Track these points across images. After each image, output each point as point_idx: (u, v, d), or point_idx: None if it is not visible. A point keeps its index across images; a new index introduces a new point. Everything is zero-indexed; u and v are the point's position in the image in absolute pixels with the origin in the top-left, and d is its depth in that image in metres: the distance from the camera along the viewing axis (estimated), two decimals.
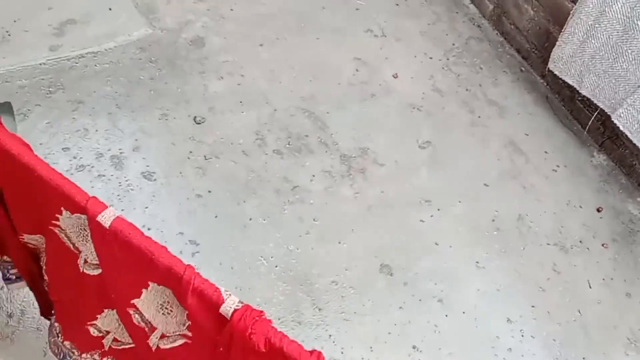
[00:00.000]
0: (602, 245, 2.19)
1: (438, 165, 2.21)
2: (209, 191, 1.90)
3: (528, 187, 2.25)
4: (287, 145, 2.10)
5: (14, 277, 1.11)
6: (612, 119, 2.21)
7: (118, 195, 1.82)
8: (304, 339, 1.66)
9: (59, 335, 1.03)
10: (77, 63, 2.10)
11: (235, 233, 1.83)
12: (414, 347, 1.75)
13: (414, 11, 2.70)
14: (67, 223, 0.78)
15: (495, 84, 2.55)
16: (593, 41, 2.15)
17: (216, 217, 1.85)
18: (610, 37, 2.10)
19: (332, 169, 2.07)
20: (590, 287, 2.03)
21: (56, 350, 1.10)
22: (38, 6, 2.21)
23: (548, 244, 2.11)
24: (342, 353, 1.69)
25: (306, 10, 2.55)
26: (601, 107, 2.26)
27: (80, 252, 0.78)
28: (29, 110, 1.91)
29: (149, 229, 1.77)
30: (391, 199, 2.07)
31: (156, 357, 0.81)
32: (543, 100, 2.56)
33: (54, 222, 0.75)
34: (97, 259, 0.76)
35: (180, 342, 0.76)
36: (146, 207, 1.82)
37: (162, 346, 0.78)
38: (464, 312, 1.86)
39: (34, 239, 0.90)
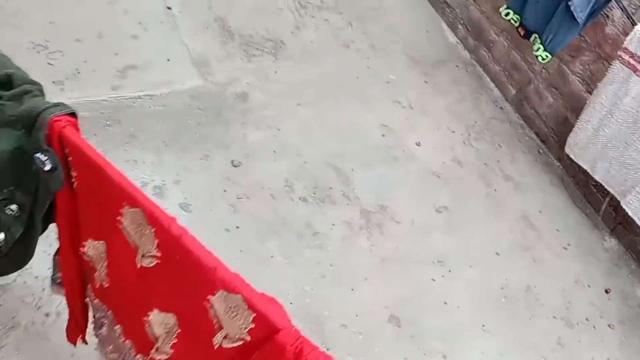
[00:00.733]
0: (609, 325, 2.24)
1: (452, 229, 2.34)
2: (237, 227, 2.05)
3: (538, 261, 2.34)
4: (313, 195, 2.26)
5: (58, 280, 1.24)
6: (622, 205, 2.33)
7: None
8: None
9: (120, 336, 1.11)
10: (134, 103, 2.34)
11: (257, 268, 1.96)
12: None
13: (441, 89, 2.93)
14: (128, 219, 0.92)
15: (512, 162, 2.70)
16: (606, 130, 2.31)
17: (241, 251, 1.99)
18: (622, 128, 2.26)
19: (352, 221, 2.22)
20: None
21: (116, 355, 1.16)
22: (106, 51, 2.49)
23: (554, 317, 2.17)
24: None
25: (342, 79, 2.79)
26: (612, 192, 2.38)
27: (137, 248, 0.92)
28: (87, 138, 2.12)
29: None
30: (405, 255, 2.18)
31: (211, 357, 0.90)
32: (558, 181, 2.70)
33: (118, 218, 0.90)
34: (154, 252, 0.88)
35: (237, 344, 0.85)
36: None
37: (224, 345, 0.88)
38: None
39: (94, 247, 1.02)
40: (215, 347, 0.87)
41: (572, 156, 2.51)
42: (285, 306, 0.83)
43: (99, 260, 1.01)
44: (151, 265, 0.89)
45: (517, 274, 2.27)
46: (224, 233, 2.02)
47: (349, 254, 2.11)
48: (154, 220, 0.82)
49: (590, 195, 2.64)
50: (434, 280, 2.15)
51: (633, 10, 2.27)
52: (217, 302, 0.82)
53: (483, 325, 2.06)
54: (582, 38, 2.52)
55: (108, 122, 2.23)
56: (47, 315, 1.71)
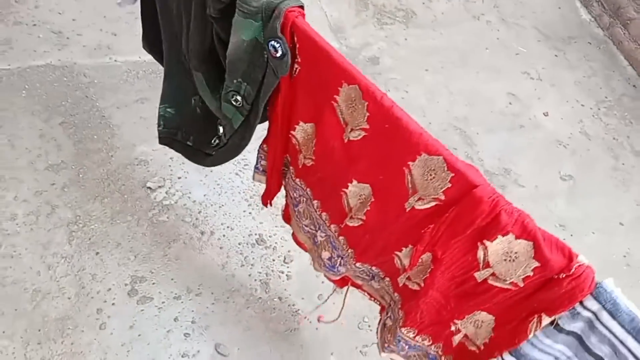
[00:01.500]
0: None
1: (576, 197, 2.35)
2: None
3: None
4: None
5: (261, 168, 1.45)
6: None
7: None
8: None
9: (317, 209, 1.28)
10: None
11: None
12: None
13: (572, 64, 2.90)
14: (344, 96, 1.02)
15: None
16: None
17: None
18: None
19: None
20: None
21: (312, 227, 1.35)
22: None
23: None
24: None
25: (470, 49, 2.86)
26: None
27: (347, 124, 1.08)
28: None
29: None
30: None
31: (401, 220, 1.04)
32: None
33: (335, 96, 1.07)
34: (364, 125, 1.04)
35: (430, 205, 0.98)
36: None
37: (417, 207, 1.00)
38: None
39: (303, 130, 1.17)
40: (407, 209, 1.02)
41: None
42: None
43: (305, 143, 1.20)
44: (358, 138, 1.03)
45: None
46: None
47: None
48: (369, 94, 0.97)
49: None
50: None
51: None
52: (416, 167, 0.96)
53: None
54: None
55: None
56: (202, 233, 1.99)
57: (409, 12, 2.97)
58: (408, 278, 1.14)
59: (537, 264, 0.88)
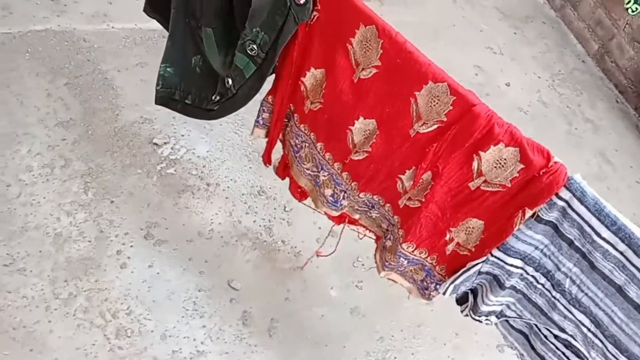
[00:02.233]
0: None
1: None
2: None
3: (612, 190, 2.63)
4: None
5: (261, 122, 1.62)
6: None
7: None
8: None
9: (321, 150, 1.44)
10: None
11: None
12: None
13: (529, 40, 3.22)
14: (359, 38, 1.17)
15: (592, 107, 2.98)
16: None
17: None
18: None
19: None
20: None
21: (314, 169, 1.50)
22: None
23: None
24: None
25: (440, 25, 3.13)
26: None
27: (358, 65, 1.27)
28: None
29: None
30: None
31: (405, 146, 1.22)
32: (634, 128, 2.96)
33: (350, 39, 1.25)
34: (376, 62, 1.23)
35: (433, 127, 1.17)
36: None
37: (420, 131, 1.19)
38: None
39: (313, 76, 1.32)
40: (412, 135, 1.23)
41: None
42: None
43: (313, 89, 1.37)
44: (369, 75, 1.22)
45: None
46: None
47: None
48: (385, 33, 1.17)
49: None
50: None
51: None
52: (422, 95, 1.17)
53: None
54: None
55: None
56: (208, 185, 2.16)
57: None
58: (409, 198, 1.36)
59: (522, 166, 1.12)
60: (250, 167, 2.25)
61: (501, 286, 1.27)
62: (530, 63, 3.09)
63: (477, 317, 1.36)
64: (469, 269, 1.30)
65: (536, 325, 1.30)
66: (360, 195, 1.47)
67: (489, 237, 1.27)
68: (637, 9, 2.65)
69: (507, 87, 2.91)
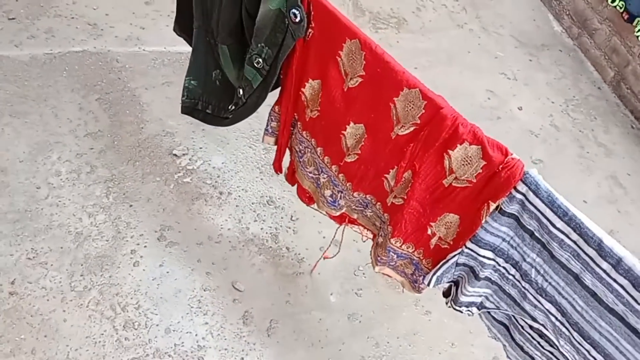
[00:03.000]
0: None
1: (545, 178, 2.66)
2: None
3: (623, 212, 2.62)
4: None
5: (270, 130, 1.76)
6: None
7: None
8: None
9: (321, 154, 1.57)
10: None
11: None
12: None
13: (544, 67, 3.28)
14: (346, 50, 1.30)
15: (606, 132, 2.99)
16: None
17: None
18: None
19: None
20: None
21: (315, 172, 1.63)
22: None
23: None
24: None
25: (455, 52, 3.23)
26: None
27: (347, 75, 1.40)
28: None
29: None
30: None
31: (388, 147, 1.33)
32: None
33: (339, 52, 1.38)
34: (361, 72, 1.35)
35: (410, 129, 1.28)
36: None
37: (400, 133, 1.30)
38: None
39: (311, 87, 1.46)
40: (393, 137, 1.33)
41: None
42: None
43: (312, 98, 1.50)
44: (356, 84, 1.34)
45: (601, 220, 2.53)
46: None
47: None
48: (366, 45, 1.29)
49: None
50: None
51: None
52: (399, 101, 1.27)
53: None
54: None
55: None
56: (220, 193, 2.29)
57: (400, 20, 3.34)
58: (395, 196, 1.46)
59: (484, 163, 1.20)
60: (261, 179, 2.37)
61: (476, 277, 1.33)
62: (544, 88, 3.14)
63: (457, 308, 1.42)
64: (447, 261, 1.37)
65: (514, 316, 1.35)
66: (354, 194, 1.57)
67: (463, 230, 1.34)
68: None
69: (519, 110, 2.97)
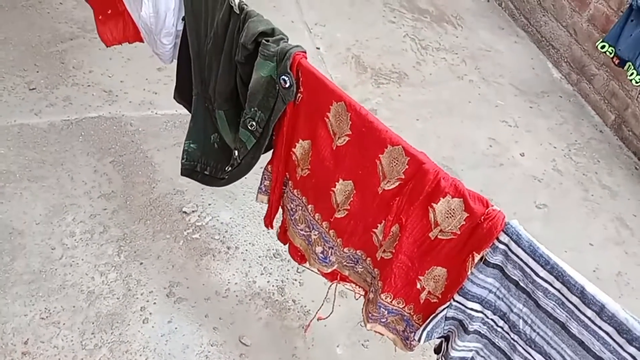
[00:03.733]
0: None
1: (550, 222, 2.70)
2: None
3: (630, 254, 2.61)
4: None
5: (264, 189, 1.84)
6: None
7: None
8: None
9: (312, 211, 1.63)
10: None
11: None
12: None
13: (545, 113, 3.34)
14: (333, 112, 1.38)
15: (610, 174, 3.02)
16: None
17: None
18: None
19: None
20: None
21: (306, 229, 1.68)
22: None
23: None
24: None
25: (456, 102, 3.33)
26: None
27: (335, 134, 1.48)
28: None
29: None
30: None
31: (375, 202, 1.39)
32: None
33: (327, 113, 1.47)
34: (348, 132, 1.43)
35: (395, 184, 1.33)
36: None
37: (386, 188, 1.35)
38: None
39: (302, 147, 1.55)
40: (380, 192, 1.39)
41: None
42: None
43: (302, 157, 1.58)
44: (344, 143, 1.41)
45: (609, 262, 2.55)
46: None
47: None
48: (351, 107, 1.37)
49: None
50: None
51: None
52: (385, 157, 1.34)
53: None
54: None
55: None
56: (228, 248, 2.36)
57: (401, 74, 3.47)
58: (384, 251, 1.50)
59: (467, 215, 1.25)
60: (268, 232, 2.44)
61: (466, 330, 1.36)
62: (546, 134, 3.19)
63: None
64: (437, 315, 1.39)
65: None
66: (345, 250, 1.62)
67: (451, 283, 1.37)
68: None
69: (522, 157, 3.02)
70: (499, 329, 1.31)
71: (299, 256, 1.85)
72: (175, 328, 2.06)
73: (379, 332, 1.65)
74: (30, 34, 3.16)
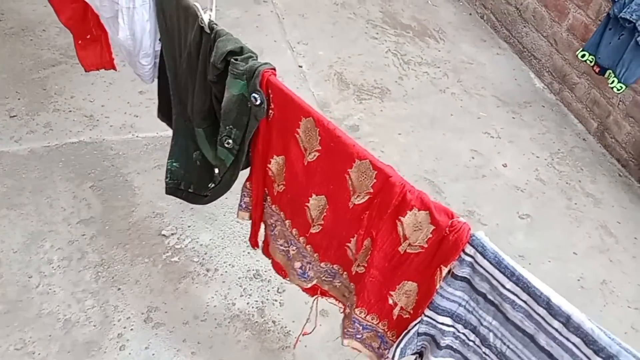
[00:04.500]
0: None
1: (534, 232, 2.68)
2: None
3: (615, 262, 2.59)
4: None
5: (244, 205, 1.83)
6: None
7: None
8: None
9: (289, 227, 1.63)
10: None
11: None
12: None
13: (528, 123, 3.34)
14: (303, 128, 1.39)
15: (593, 182, 3.00)
16: None
17: None
18: None
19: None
20: None
21: (285, 244, 1.69)
22: None
23: (629, 307, 2.39)
24: None
25: (437, 115, 3.33)
26: None
27: (306, 150, 1.47)
28: None
29: None
30: None
31: (347, 216, 1.39)
32: (637, 200, 2.94)
33: (297, 129, 1.46)
34: (317, 147, 1.42)
35: (365, 198, 1.33)
36: None
37: (356, 202, 1.36)
38: None
39: (276, 162, 1.54)
40: (351, 206, 1.38)
41: None
42: None
43: (278, 173, 1.57)
44: (314, 158, 1.41)
45: (594, 270, 2.53)
46: None
47: None
48: (319, 122, 1.37)
49: None
50: None
51: None
52: (353, 172, 1.33)
53: None
54: None
55: None
56: (207, 270, 2.34)
57: (384, 89, 3.47)
58: (358, 265, 1.49)
59: (433, 227, 1.24)
60: (248, 252, 2.42)
61: (438, 346, 1.33)
62: (529, 144, 3.19)
63: None
64: (409, 331, 1.37)
65: None
66: (322, 265, 1.61)
67: (421, 297, 1.36)
68: (621, 87, 2.75)
69: (504, 167, 3.01)
70: (471, 343, 1.29)
71: (282, 271, 1.84)
72: (153, 354, 2.03)
73: (356, 349, 1.63)
74: (12, 61, 3.17)
